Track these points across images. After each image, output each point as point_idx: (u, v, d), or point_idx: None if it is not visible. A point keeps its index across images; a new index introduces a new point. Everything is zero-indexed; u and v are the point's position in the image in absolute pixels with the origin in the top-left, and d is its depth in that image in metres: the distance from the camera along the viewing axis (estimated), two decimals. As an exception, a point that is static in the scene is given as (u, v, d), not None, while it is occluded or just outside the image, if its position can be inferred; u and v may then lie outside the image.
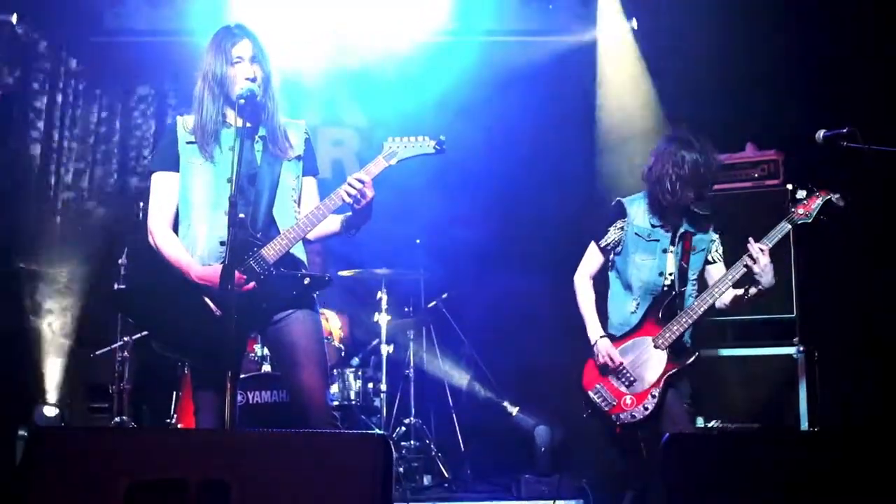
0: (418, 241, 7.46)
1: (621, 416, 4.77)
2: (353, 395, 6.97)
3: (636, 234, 4.92)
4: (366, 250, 7.13)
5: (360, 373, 7.10)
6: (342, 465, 3.01)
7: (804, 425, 5.66)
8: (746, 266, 4.66)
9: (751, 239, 4.70)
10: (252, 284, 3.98)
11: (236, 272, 3.82)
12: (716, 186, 6.07)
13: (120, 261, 6.71)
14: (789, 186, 5.98)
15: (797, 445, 3.31)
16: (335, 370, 6.88)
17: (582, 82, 7.66)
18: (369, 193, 4.03)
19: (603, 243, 5.01)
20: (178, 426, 6.37)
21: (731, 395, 5.94)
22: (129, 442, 3.14)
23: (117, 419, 6.74)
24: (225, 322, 3.77)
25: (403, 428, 7.20)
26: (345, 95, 8.33)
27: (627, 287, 4.95)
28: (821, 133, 4.52)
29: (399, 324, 7.45)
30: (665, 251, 4.89)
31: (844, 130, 4.41)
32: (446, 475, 7.02)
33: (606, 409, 4.81)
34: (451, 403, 7.59)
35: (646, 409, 4.73)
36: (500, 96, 7.74)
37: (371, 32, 7.72)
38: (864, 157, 4.39)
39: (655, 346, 4.77)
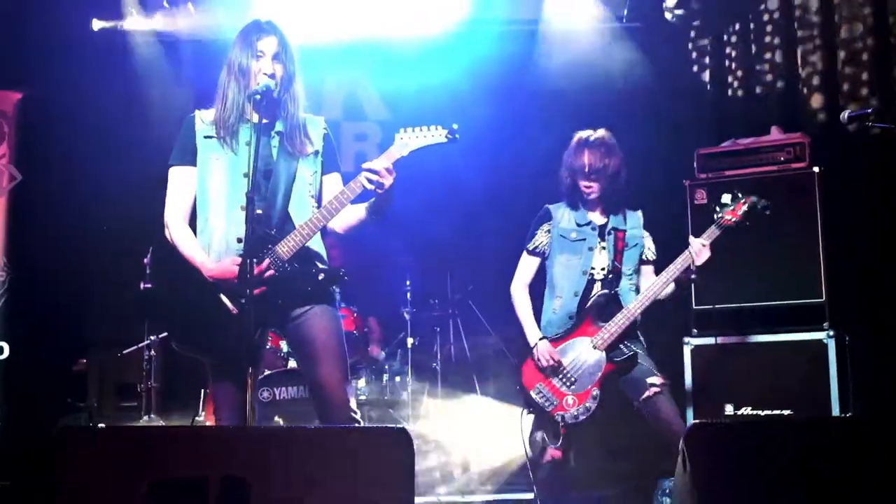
0: None
1: (565, 416, 4.85)
2: (379, 390, 6.98)
3: (561, 235, 5.12)
4: (388, 241, 7.11)
5: (386, 367, 7.10)
6: (363, 459, 3.01)
7: (835, 412, 5.59)
8: (688, 260, 4.84)
9: (691, 237, 4.92)
10: (265, 264, 3.96)
11: (254, 262, 3.81)
12: (742, 171, 6.09)
13: (145, 260, 6.74)
14: (815, 169, 5.94)
15: (827, 433, 3.27)
16: (361, 364, 6.89)
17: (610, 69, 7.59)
18: (387, 182, 4.02)
19: (531, 246, 5.21)
20: (207, 423, 6.40)
21: (761, 382, 5.87)
22: (151, 440, 3.15)
23: (146, 417, 6.78)
24: (242, 318, 3.77)
25: (428, 422, 7.18)
26: (367, 90, 8.33)
27: (552, 288, 5.12)
28: (845, 113, 4.46)
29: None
30: (591, 249, 5.05)
31: (869, 110, 4.35)
32: (475, 468, 6.99)
33: (549, 408, 4.89)
34: (479, 396, 7.55)
35: (587, 409, 4.82)
36: (524, 87, 7.69)
37: (393, 25, 7.69)
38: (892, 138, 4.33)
39: (594, 347, 4.87)
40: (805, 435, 3.16)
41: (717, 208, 4.94)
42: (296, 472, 2.97)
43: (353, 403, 4.09)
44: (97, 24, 7.49)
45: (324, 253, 4.23)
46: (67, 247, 7.25)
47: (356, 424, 4.05)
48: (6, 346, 6.87)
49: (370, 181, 4.01)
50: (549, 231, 5.16)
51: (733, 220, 4.88)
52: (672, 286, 4.98)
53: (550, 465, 4.96)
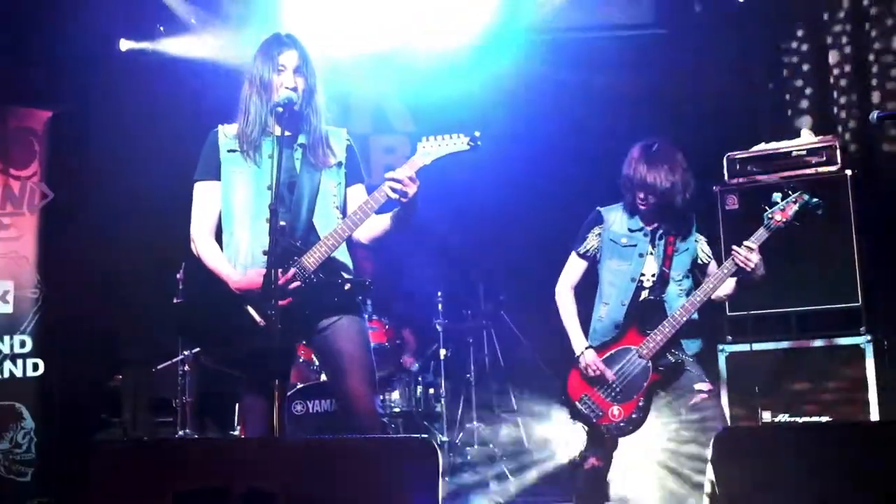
0: None
1: (610, 427, 4.75)
2: (413, 402, 6.97)
3: (611, 240, 4.93)
4: (418, 253, 7.11)
5: (420, 378, 7.09)
6: (388, 469, 3.01)
7: (875, 417, 5.50)
8: (738, 266, 4.61)
9: (734, 246, 4.65)
10: (291, 273, 3.96)
11: (279, 272, 3.81)
12: (773, 175, 6.01)
13: (178, 275, 6.77)
14: (848, 172, 5.86)
15: (864, 437, 3.20)
16: (395, 377, 6.89)
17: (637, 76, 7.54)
18: (410, 190, 4.01)
19: (582, 250, 5.02)
20: (242, 437, 6.41)
21: (798, 389, 5.80)
22: (176, 453, 3.19)
23: (181, 432, 6.80)
24: (269, 330, 3.77)
25: (462, 433, 7.16)
26: (394, 103, 8.35)
27: (601, 294, 4.97)
28: (874, 114, 4.37)
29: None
30: (642, 255, 4.86)
31: (899, 111, 4.28)
32: (511, 478, 6.96)
33: (595, 420, 4.78)
34: (514, 406, 7.52)
35: (633, 419, 4.71)
36: (555, 97, 7.66)
37: (418, 38, 7.71)
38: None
39: (640, 356, 4.72)
40: (838, 439, 3.09)
41: (767, 208, 4.63)
42: (321, 482, 2.97)
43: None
44: (125, 45, 7.57)
45: (350, 263, 4.22)
46: (99, 263, 7.31)
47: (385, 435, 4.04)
48: (41, 363, 6.92)
49: (394, 190, 4.01)
50: (599, 234, 4.96)
51: (784, 220, 4.58)
52: (730, 287, 4.81)
53: (591, 474, 4.88)
